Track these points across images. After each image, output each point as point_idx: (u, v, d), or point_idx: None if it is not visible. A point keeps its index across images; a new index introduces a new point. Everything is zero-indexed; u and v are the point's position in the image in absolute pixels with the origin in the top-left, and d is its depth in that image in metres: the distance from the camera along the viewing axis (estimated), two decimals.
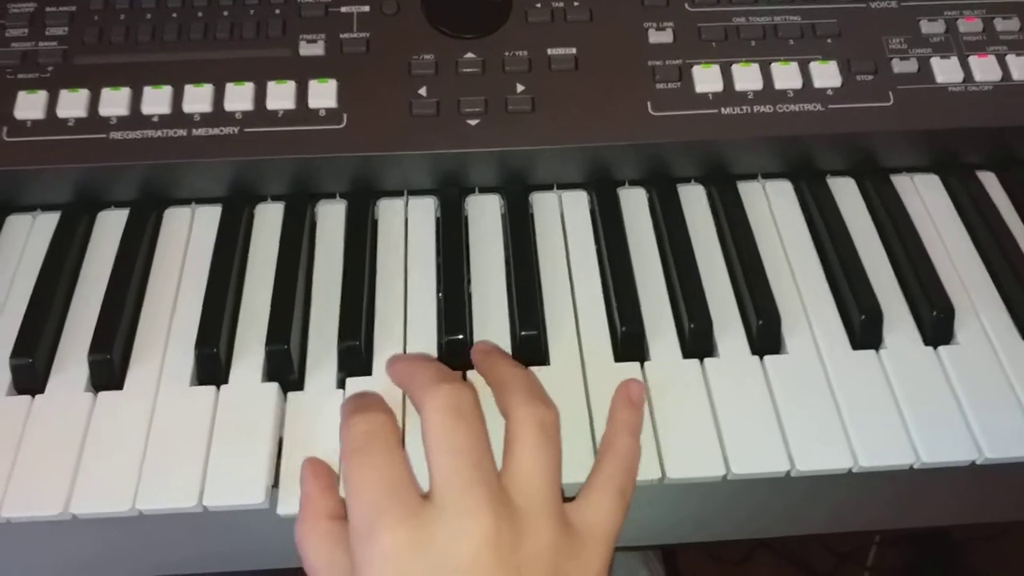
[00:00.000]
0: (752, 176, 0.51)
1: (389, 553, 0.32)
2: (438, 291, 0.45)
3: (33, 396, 0.41)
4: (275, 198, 0.49)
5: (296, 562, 0.37)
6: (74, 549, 0.40)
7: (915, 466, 0.39)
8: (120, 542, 0.40)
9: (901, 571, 1.14)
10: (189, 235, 0.48)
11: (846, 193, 0.50)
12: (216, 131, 0.47)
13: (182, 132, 0.47)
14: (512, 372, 0.39)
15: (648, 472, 0.39)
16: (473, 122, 0.48)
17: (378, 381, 0.41)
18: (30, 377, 0.41)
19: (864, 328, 0.43)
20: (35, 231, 0.48)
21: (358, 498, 0.34)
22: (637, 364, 0.42)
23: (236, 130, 0.47)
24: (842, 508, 0.41)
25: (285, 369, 0.42)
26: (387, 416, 0.37)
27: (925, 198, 0.50)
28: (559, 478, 0.36)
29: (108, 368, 0.41)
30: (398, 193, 0.50)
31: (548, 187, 0.50)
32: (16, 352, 0.42)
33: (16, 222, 0.49)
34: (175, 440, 0.39)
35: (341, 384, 0.42)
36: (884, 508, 0.41)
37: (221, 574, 0.41)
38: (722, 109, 0.48)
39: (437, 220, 0.49)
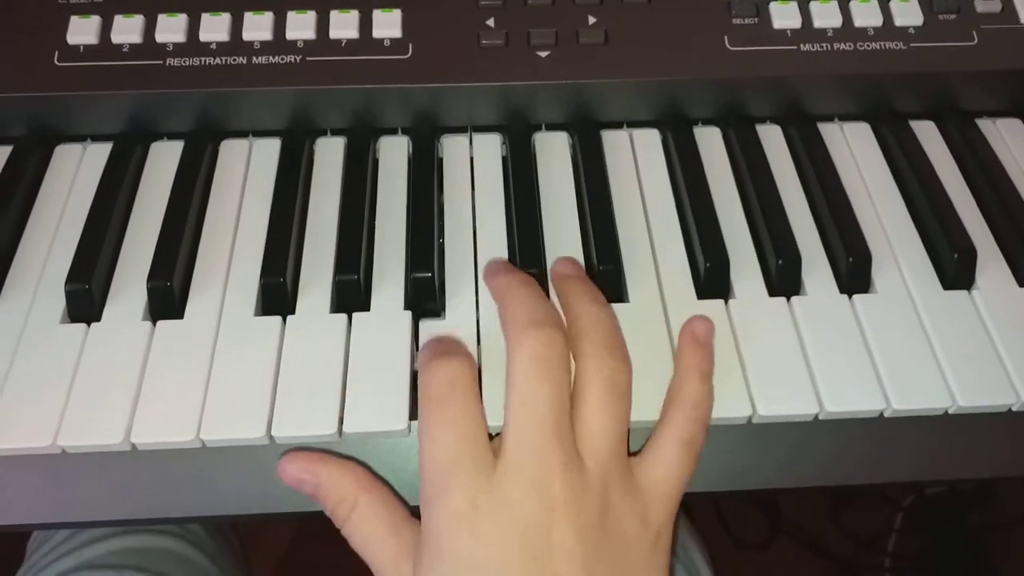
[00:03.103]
0: (829, 118, 0.49)
1: (460, 513, 0.32)
2: (508, 228, 0.43)
3: (88, 324, 0.39)
4: (334, 132, 0.48)
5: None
6: (132, 481, 0.38)
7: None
8: (177, 475, 0.38)
9: (919, 558, 1.13)
10: (247, 168, 0.46)
11: (928, 137, 0.48)
12: (277, 59, 0.45)
13: (241, 60, 0.45)
14: (591, 314, 0.36)
15: (737, 409, 0.37)
16: (543, 54, 0.46)
17: (450, 324, 0.39)
18: (86, 304, 0.40)
19: (957, 268, 0.41)
20: (86, 161, 0.46)
21: (432, 453, 0.33)
22: (721, 302, 0.40)
23: (297, 59, 0.45)
24: (931, 454, 0.39)
25: (354, 300, 0.40)
26: (467, 364, 0.35)
27: (1011, 144, 0.48)
28: (626, 437, 0.34)
29: (168, 296, 0.40)
30: (461, 130, 0.48)
31: (617, 125, 0.48)
32: (72, 277, 0.40)
33: (66, 151, 0.47)
34: (239, 370, 0.38)
35: (409, 307, 0.40)
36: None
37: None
38: (801, 46, 0.47)
39: (503, 159, 0.47)
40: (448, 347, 0.36)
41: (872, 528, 1.15)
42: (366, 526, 0.35)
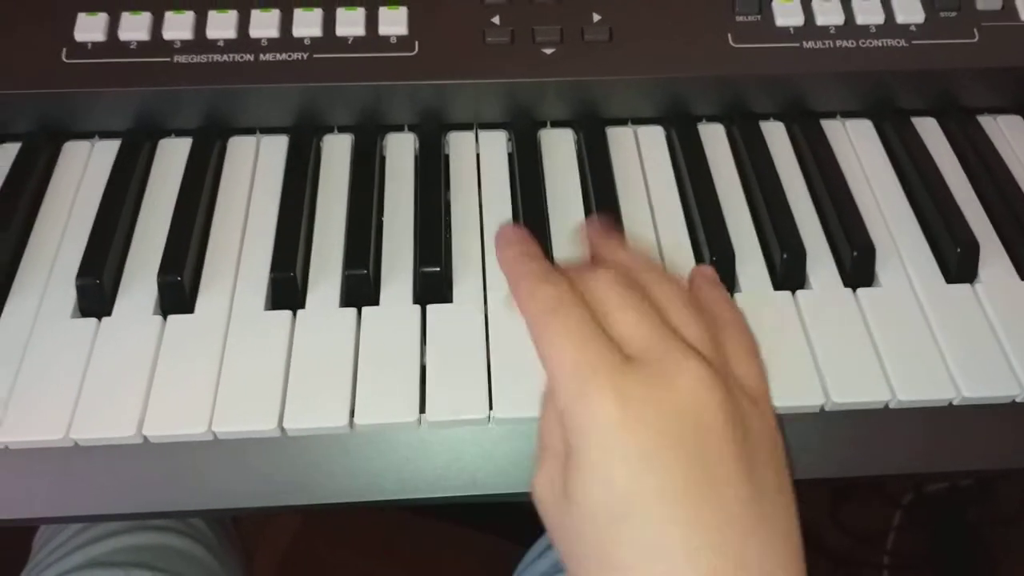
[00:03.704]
0: (831, 115, 0.49)
1: (610, 411, 0.30)
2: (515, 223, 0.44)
3: (99, 319, 0.40)
4: (341, 129, 0.48)
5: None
6: (143, 475, 0.38)
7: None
8: (187, 469, 0.38)
9: (918, 555, 1.13)
10: (255, 164, 0.46)
11: (930, 133, 0.48)
12: (284, 56, 0.45)
13: (248, 57, 0.45)
14: (621, 253, 0.36)
15: (810, 398, 0.37)
16: (548, 51, 0.46)
17: (458, 308, 0.40)
18: (97, 298, 0.40)
19: (960, 262, 0.41)
20: (94, 158, 0.46)
21: (561, 358, 0.32)
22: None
23: (304, 56, 0.46)
24: (934, 446, 0.40)
25: (363, 294, 0.40)
26: (568, 282, 0.34)
27: (1012, 140, 0.48)
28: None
29: (179, 291, 0.40)
30: (467, 126, 0.48)
31: (622, 122, 0.48)
32: (83, 272, 0.40)
33: (74, 148, 0.47)
34: (250, 363, 0.38)
35: (418, 301, 0.40)
36: None
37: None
38: (803, 43, 0.47)
39: (509, 155, 0.47)
40: (538, 271, 0.35)
41: (871, 525, 1.15)
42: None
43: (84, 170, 0.46)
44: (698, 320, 0.34)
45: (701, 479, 0.30)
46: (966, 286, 0.41)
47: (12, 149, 0.46)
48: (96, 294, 0.40)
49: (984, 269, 0.42)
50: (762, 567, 0.30)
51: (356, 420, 0.36)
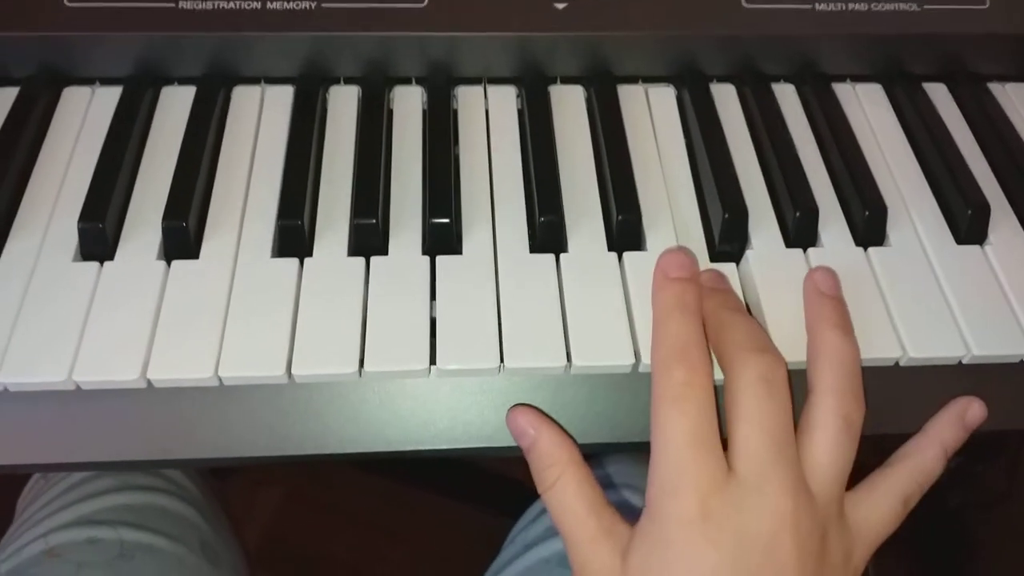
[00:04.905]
0: (841, 79, 0.49)
1: (693, 516, 0.32)
2: (525, 178, 0.43)
3: (101, 263, 0.39)
4: (348, 81, 0.47)
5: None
6: (146, 422, 0.37)
7: None
8: (191, 416, 0.38)
9: (900, 536, 1.14)
10: (260, 113, 0.45)
11: (940, 98, 0.48)
12: (291, 5, 0.45)
13: (255, 4, 0.44)
14: (836, 345, 0.35)
15: (889, 350, 0.37)
16: (560, 5, 0.45)
17: (468, 259, 0.39)
18: (100, 243, 0.39)
19: (970, 223, 0.41)
20: (95, 104, 0.45)
21: (666, 451, 0.33)
22: (733, 265, 0.40)
23: (312, 5, 0.45)
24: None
25: (372, 243, 0.39)
26: (708, 365, 0.34)
27: (1021, 108, 0.48)
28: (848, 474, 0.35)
29: (184, 236, 0.39)
30: (476, 81, 0.48)
31: (632, 80, 0.48)
32: (85, 215, 0.39)
33: (74, 94, 0.46)
34: (257, 310, 0.37)
35: (427, 253, 0.40)
36: None
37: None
38: (816, 6, 0.47)
39: (519, 111, 0.46)
40: (689, 342, 0.35)
41: None
42: (569, 498, 0.35)
43: (85, 116, 0.45)
44: (845, 445, 0.34)
45: None
46: (976, 247, 0.41)
47: (11, 93, 0.45)
48: (98, 238, 0.39)
49: (994, 231, 0.42)
50: None
51: (365, 368, 0.36)
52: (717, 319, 0.36)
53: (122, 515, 0.58)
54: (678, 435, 0.33)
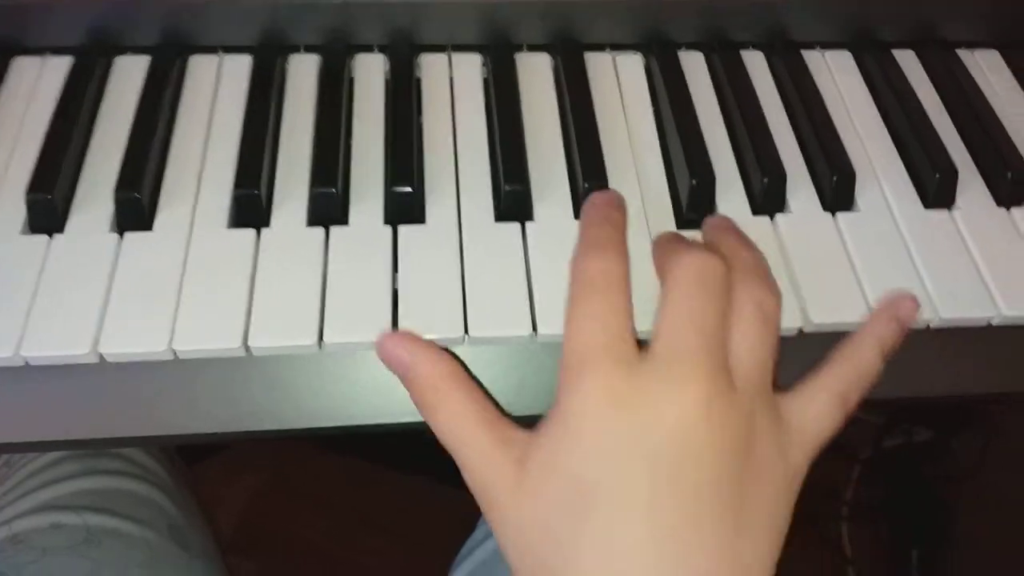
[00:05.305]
0: (810, 46, 0.48)
1: (594, 397, 0.30)
2: (491, 147, 0.42)
3: (51, 236, 0.38)
4: (308, 49, 0.46)
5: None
6: (100, 399, 0.36)
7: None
8: (147, 392, 0.36)
9: (876, 507, 1.15)
10: (217, 83, 0.44)
11: (909, 64, 0.48)
12: None
13: None
14: (743, 255, 0.35)
15: (788, 320, 0.36)
16: None
17: (432, 228, 0.38)
18: (49, 214, 0.38)
19: (938, 187, 0.41)
20: (45, 75, 0.44)
21: (578, 331, 0.32)
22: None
23: None
24: (914, 370, 0.39)
25: (332, 213, 0.39)
26: (623, 261, 0.33)
27: (988, 73, 0.48)
28: (773, 368, 0.33)
29: (137, 207, 0.38)
30: (440, 48, 0.46)
31: (600, 48, 0.47)
32: (34, 187, 0.38)
33: (23, 63, 0.44)
34: (212, 281, 0.36)
35: (389, 222, 0.39)
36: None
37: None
38: None
39: (484, 80, 0.46)
40: (604, 240, 0.34)
41: (831, 478, 1.17)
42: (457, 417, 0.33)
43: (34, 87, 0.43)
44: (762, 333, 0.32)
45: (673, 505, 0.29)
46: (944, 211, 0.41)
47: None
48: (48, 210, 0.38)
49: (961, 195, 0.42)
50: None
51: (325, 340, 0.35)
52: (667, 244, 0.36)
53: (87, 500, 0.57)
54: (589, 317, 0.32)
